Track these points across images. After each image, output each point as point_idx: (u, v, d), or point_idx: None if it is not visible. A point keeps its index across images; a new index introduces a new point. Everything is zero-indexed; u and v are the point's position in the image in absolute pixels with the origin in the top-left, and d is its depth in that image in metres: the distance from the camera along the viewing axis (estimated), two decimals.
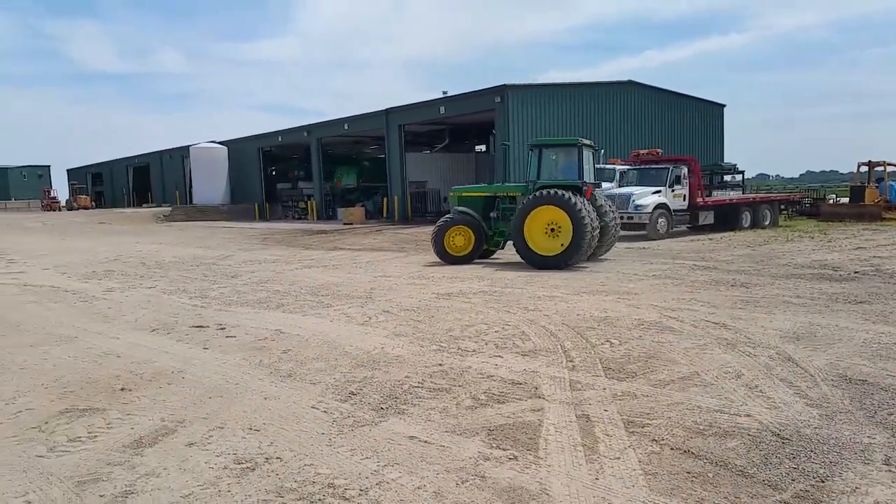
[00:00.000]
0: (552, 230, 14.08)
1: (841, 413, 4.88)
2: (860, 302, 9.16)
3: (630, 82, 36.15)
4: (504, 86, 30.20)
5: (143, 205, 59.06)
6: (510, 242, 15.13)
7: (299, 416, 5.14)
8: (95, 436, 4.90)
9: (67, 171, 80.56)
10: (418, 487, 3.85)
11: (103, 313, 10.08)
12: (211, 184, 47.41)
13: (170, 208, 47.13)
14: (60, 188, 73.83)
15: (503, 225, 15.56)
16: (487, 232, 15.72)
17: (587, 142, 15.20)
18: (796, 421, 4.75)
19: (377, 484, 3.91)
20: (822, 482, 3.81)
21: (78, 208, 60.27)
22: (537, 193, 14.36)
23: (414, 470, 4.09)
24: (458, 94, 33.40)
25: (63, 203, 64.52)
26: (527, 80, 31.88)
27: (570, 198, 13.85)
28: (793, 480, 3.85)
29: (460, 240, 15.43)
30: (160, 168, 60.17)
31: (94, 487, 4.02)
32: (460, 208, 15.76)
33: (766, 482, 3.84)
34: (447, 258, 15.36)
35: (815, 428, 4.61)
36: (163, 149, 59.55)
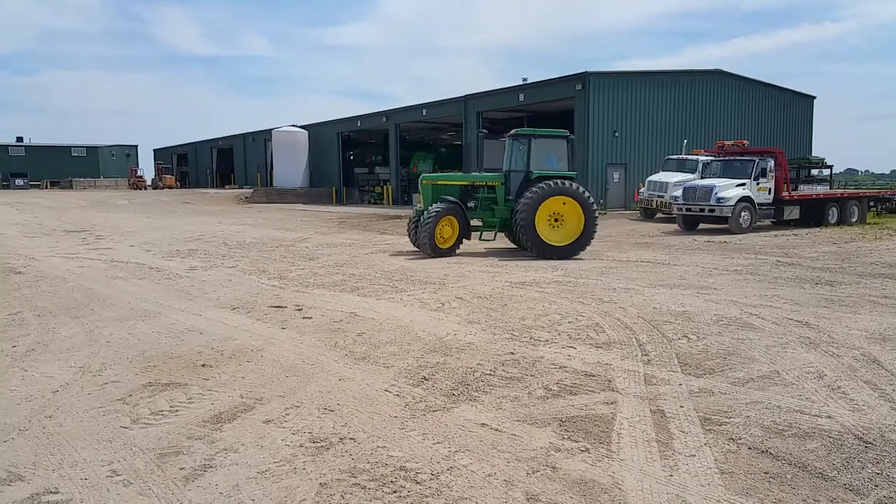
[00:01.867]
0: (555, 220, 14.41)
1: None
2: None
3: (718, 71, 34.89)
4: (586, 73, 29.63)
5: (226, 186, 61.07)
6: (492, 233, 15.24)
7: (373, 399, 5.24)
8: (177, 410, 5.13)
9: (154, 150, 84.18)
10: (489, 475, 3.87)
11: (186, 291, 10.51)
12: (291, 167, 48.55)
13: (251, 190, 48.59)
14: (147, 168, 77.12)
15: (484, 214, 15.18)
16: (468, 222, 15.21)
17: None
18: (880, 425, 4.53)
19: (448, 469, 3.96)
20: None
21: (163, 188, 62.80)
22: (550, 183, 14.30)
23: (485, 457, 4.11)
24: (538, 82, 32.97)
25: (149, 182, 67.30)
26: (609, 68, 31.24)
27: (582, 189, 14.57)
28: (875, 486, 3.67)
29: (447, 231, 14.80)
30: (243, 150, 62.02)
31: (175, 460, 4.21)
32: (448, 198, 14.92)
33: (846, 486, 3.68)
34: (436, 251, 14.49)
35: None
36: (246, 131, 61.32)
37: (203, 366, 6.25)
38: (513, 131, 15.76)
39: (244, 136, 61.69)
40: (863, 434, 4.37)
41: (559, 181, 14.40)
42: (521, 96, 33.12)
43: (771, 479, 3.78)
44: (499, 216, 15.08)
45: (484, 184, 15.38)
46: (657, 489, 3.68)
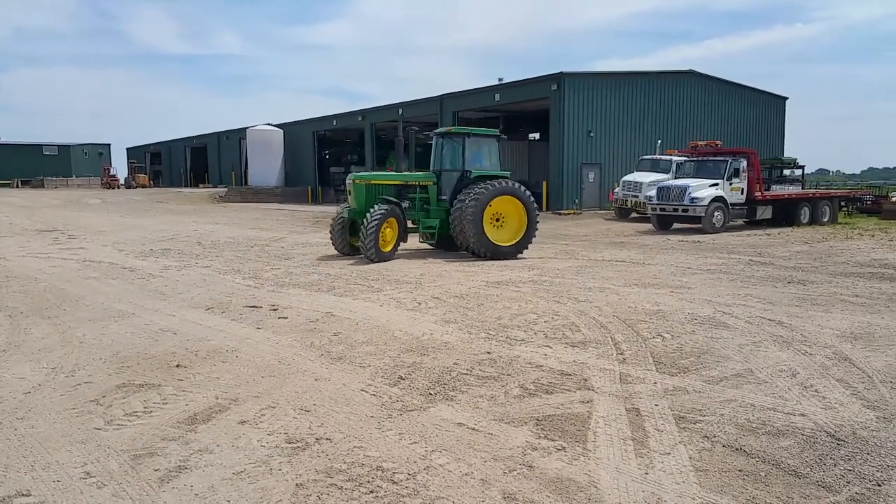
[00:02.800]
0: (497, 220, 14.28)
1: None
2: None
3: (691, 72, 35.33)
4: (561, 73, 29.81)
5: (200, 185, 60.41)
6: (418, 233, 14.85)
7: (349, 399, 5.22)
8: (151, 411, 5.06)
9: (127, 149, 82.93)
10: (466, 474, 3.88)
11: (160, 291, 10.38)
12: (266, 166, 48.21)
13: (225, 189, 48.15)
14: (120, 167, 75.95)
15: (420, 215, 14.65)
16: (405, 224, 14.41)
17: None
18: (852, 422, 4.62)
19: (425, 469, 3.96)
20: (879, 486, 3.70)
21: (136, 187, 61.93)
22: (495, 183, 14.09)
23: (461, 456, 4.12)
24: (514, 82, 33.10)
25: (122, 181, 66.33)
26: (584, 69, 31.46)
27: (524, 189, 14.55)
28: (848, 483, 3.74)
29: (389, 233, 13.81)
30: (217, 149, 61.42)
31: (150, 461, 4.16)
32: (387, 198, 14.00)
33: (819, 483, 3.74)
34: (380, 255, 13.48)
35: (873, 430, 4.47)
36: (220, 130, 60.76)
37: (177, 366, 6.18)
38: (439, 129, 15.41)
39: (218, 134, 61.12)
40: (835, 431, 4.45)
41: (502, 181, 14.31)
42: (497, 96, 33.24)
43: (745, 477, 3.83)
44: (435, 216, 14.60)
45: (417, 183, 14.83)
46: (633, 487, 3.71)
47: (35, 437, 4.54)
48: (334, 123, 46.76)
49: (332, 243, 14.64)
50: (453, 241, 14.53)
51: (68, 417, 4.92)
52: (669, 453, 4.14)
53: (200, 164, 65.89)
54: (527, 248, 14.57)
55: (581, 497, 3.60)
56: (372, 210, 13.50)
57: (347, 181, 14.74)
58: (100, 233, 20.94)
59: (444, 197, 14.67)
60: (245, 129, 50.97)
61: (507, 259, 13.94)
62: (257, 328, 7.73)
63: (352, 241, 14.29)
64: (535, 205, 14.59)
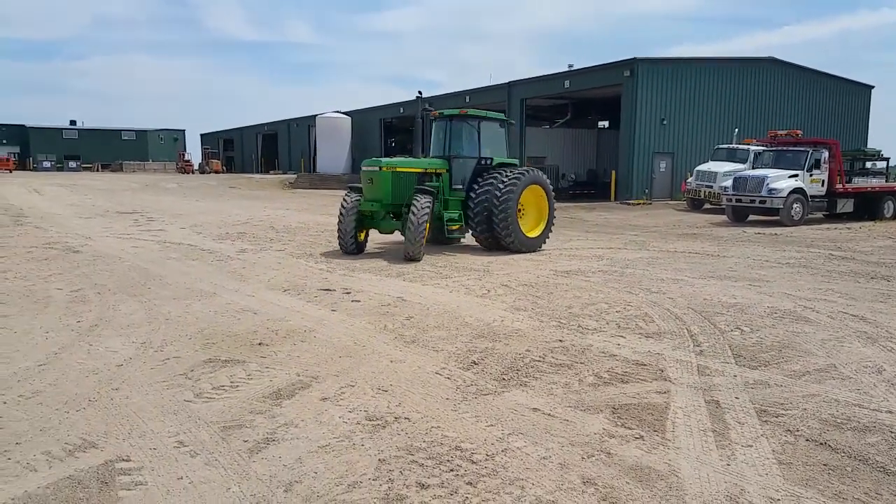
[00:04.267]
0: (519, 211, 13.06)
1: None
2: None
3: (771, 59, 34.08)
4: (634, 59, 29.20)
5: (271, 171, 62.01)
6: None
7: (424, 381, 5.33)
8: (237, 385, 5.29)
9: (201, 135, 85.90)
10: (544, 458, 3.92)
11: (238, 272, 10.76)
12: (334, 153, 49.10)
13: (295, 175, 49.29)
14: (194, 152, 78.85)
15: (439, 207, 12.93)
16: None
17: None
18: None
19: (503, 451, 4.02)
20: None
21: (209, 172, 64.07)
22: (526, 171, 13.17)
23: (539, 441, 4.16)
24: (585, 68, 32.61)
25: (196, 166, 68.63)
26: (657, 55, 30.78)
27: (546, 178, 13.85)
28: None
29: (427, 227, 12.34)
30: (287, 136, 62.85)
31: (239, 433, 4.36)
32: (427, 188, 12.48)
33: None
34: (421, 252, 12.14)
35: None
36: (290, 117, 62.11)
37: (259, 344, 6.42)
38: (447, 111, 13.92)
39: (288, 122, 62.50)
40: None
41: (526, 168, 13.46)
42: (567, 83, 32.83)
43: (830, 472, 3.75)
44: (454, 208, 13.19)
45: (434, 171, 13.18)
46: (715, 478, 3.68)
47: (130, 407, 4.81)
48: (401, 111, 47.13)
49: (340, 241, 12.66)
50: (444, 234, 13.15)
51: (159, 390, 5.19)
52: (751, 446, 4.08)
53: (271, 150, 67.58)
54: (547, 239, 13.83)
55: (662, 485, 3.60)
56: (418, 201, 11.95)
57: (367, 168, 12.87)
58: (177, 216, 21.75)
59: (459, 186, 13.29)
60: (314, 116, 51.98)
61: (532, 252, 13.17)
62: (332, 310, 7.94)
63: (358, 235, 12.85)
64: (553, 194, 13.86)
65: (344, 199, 12.74)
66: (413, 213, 11.86)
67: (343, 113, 51.68)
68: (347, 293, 8.95)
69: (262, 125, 68.76)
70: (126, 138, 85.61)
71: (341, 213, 12.58)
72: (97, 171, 68.96)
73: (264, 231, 17.33)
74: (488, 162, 13.41)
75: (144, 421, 4.54)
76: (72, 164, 74.98)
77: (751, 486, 3.58)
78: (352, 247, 12.59)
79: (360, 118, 50.61)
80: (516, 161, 14.12)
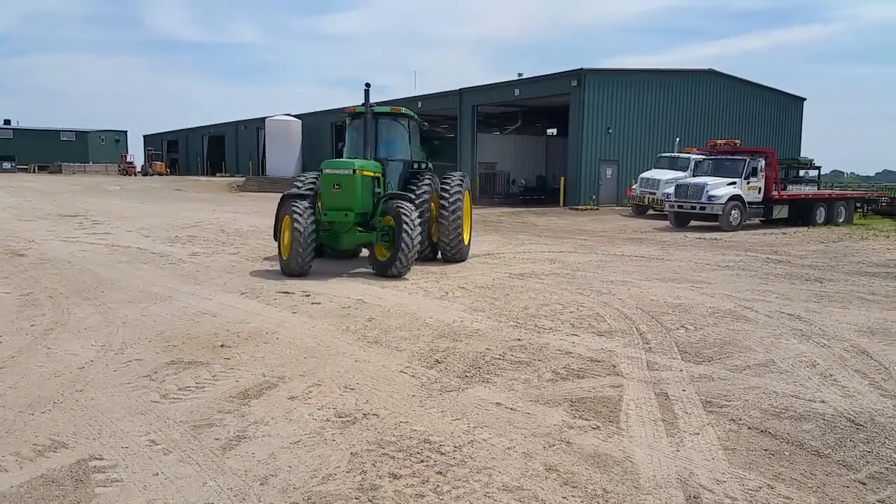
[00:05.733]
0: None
1: None
2: None
3: (710, 71, 35.40)
4: (581, 69, 29.97)
5: (217, 174, 60.95)
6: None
7: (390, 379, 5.50)
8: (203, 386, 5.36)
9: (143, 137, 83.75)
10: (508, 448, 4.15)
11: (192, 276, 10.70)
12: (284, 156, 48.60)
13: (243, 178, 48.59)
14: (136, 154, 76.89)
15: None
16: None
17: None
18: (870, 409, 4.86)
19: (469, 443, 4.23)
20: None
21: (153, 174, 62.49)
22: (460, 175, 12.47)
23: (503, 433, 4.39)
24: (534, 77, 33.28)
25: (139, 168, 66.92)
26: (603, 65, 31.65)
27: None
28: (867, 463, 3.99)
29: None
30: (235, 138, 61.94)
31: (209, 431, 4.45)
32: (407, 194, 11.32)
33: (840, 462, 3.99)
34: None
35: (890, 417, 4.72)
36: (238, 119, 61.23)
37: (222, 346, 6.47)
38: (379, 108, 12.28)
39: (236, 123, 61.61)
40: (854, 417, 4.70)
41: (462, 173, 12.77)
42: (517, 91, 33.42)
43: (771, 456, 4.08)
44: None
45: (377, 175, 11.54)
46: (666, 462, 3.96)
47: (97, 409, 4.83)
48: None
49: (294, 262, 10.41)
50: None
51: (125, 391, 5.22)
52: (698, 433, 4.39)
53: (217, 152, 66.42)
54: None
55: (618, 470, 3.86)
56: (408, 213, 10.55)
57: (333, 171, 10.85)
58: (123, 219, 21.29)
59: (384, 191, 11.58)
60: (263, 118, 51.38)
61: (463, 261, 12.31)
62: (293, 312, 8.02)
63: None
64: None
65: (296, 212, 10.36)
66: (408, 227, 10.35)
67: (293, 116, 51.26)
68: (307, 296, 9.03)
69: (209, 127, 67.58)
70: (65, 139, 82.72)
71: (297, 230, 10.21)
72: (34, 172, 66.46)
73: (215, 234, 17.17)
74: (421, 165, 12.45)
75: (113, 421, 4.58)
76: (6, 164, 72.06)
77: (699, 469, 3.88)
78: (307, 267, 10.59)
79: (310, 121, 50.28)
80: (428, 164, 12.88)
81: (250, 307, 8.34)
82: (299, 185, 12.15)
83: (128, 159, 67.39)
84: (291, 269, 10.51)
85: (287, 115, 51.38)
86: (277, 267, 11.55)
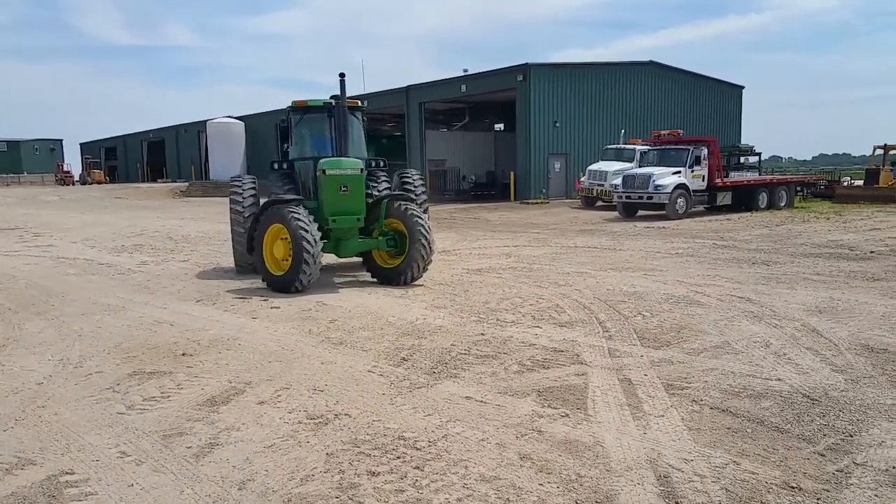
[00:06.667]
0: None
1: (865, 378, 5.23)
2: (877, 279, 9.45)
3: (651, 63, 36.22)
4: (526, 64, 30.31)
5: (158, 180, 59.45)
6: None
7: (358, 379, 5.52)
8: (169, 395, 5.29)
9: (80, 144, 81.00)
10: (482, 440, 4.23)
11: (144, 285, 10.49)
12: (227, 159, 47.65)
13: (186, 184, 47.53)
14: (73, 162, 74.23)
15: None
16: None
17: None
18: (824, 384, 5.10)
19: (443, 437, 4.29)
20: (851, 437, 4.17)
21: (92, 182, 60.60)
22: (420, 173, 12.00)
23: (475, 425, 4.46)
24: (480, 73, 33.48)
25: (77, 177, 64.82)
26: (546, 59, 32.14)
27: None
28: (824, 435, 4.20)
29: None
30: (175, 143, 60.52)
31: (180, 440, 4.40)
32: (408, 195, 10.80)
33: (800, 436, 4.20)
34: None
35: (842, 391, 4.96)
36: (177, 123, 59.88)
37: (183, 355, 6.38)
38: (320, 100, 11.13)
39: (176, 128, 60.22)
40: (809, 393, 4.93)
41: (408, 170, 12.16)
42: (464, 87, 33.57)
43: (734, 433, 4.26)
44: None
45: None
46: (634, 445, 4.10)
47: (61, 423, 4.73)
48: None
49: (297, 278, 9.21)
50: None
51: (88, 404, 5.11)
52: (663, 416, 4.55)
53: (158, 158, 64.80)
54: None
55: (589, 455, 3.98)
56: (420, 215, 9.92)
57: (338, 172, 9.76)
58: (65, 230, 20.65)
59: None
60: (204, 121, 50.35)
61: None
62: (252, 318, 7.95)
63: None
64: None
65: (299, 220, 9.15)
66: (424, 230, 9.68)
67: (236, 118, 50.36)
68: (265, 300, 8.95)
69: (148, 132, 65.84)
70: None
71: (307, 241, 9.01)
72: None
73: (162, 242, 16.83)
74: (380, 164, 11.64)
75: (80, 435, 4.49)
76: None
77: (666, 450, 4.02)
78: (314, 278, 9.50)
79: (254, 123, 49.45)
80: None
81: (208, 314, 8.23)
82: (238, 189, 11.22)
83: (65, 168, 65.20)
84: (293, 285, 9.24)
85: (229, 117, 50.44)
86: (230, 272, 11.41)
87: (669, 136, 23.72)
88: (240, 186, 11.44)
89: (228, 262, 12.74)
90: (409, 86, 36.62)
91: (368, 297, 8.89)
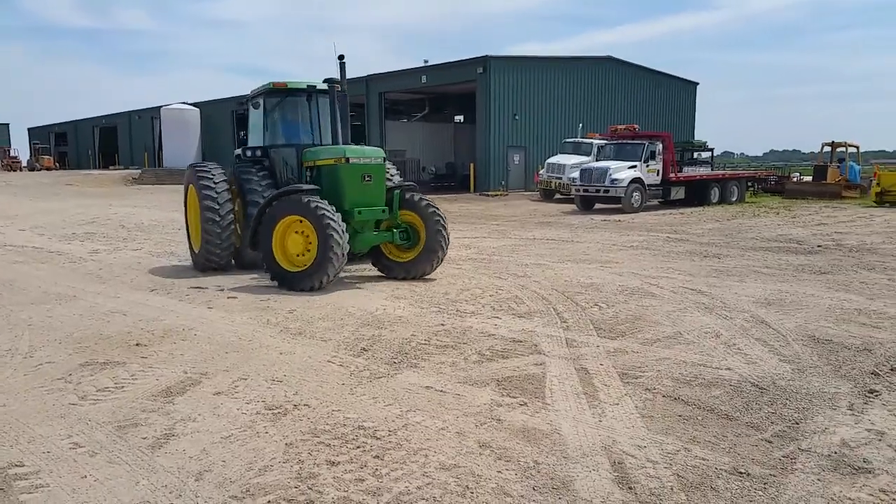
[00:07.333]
0: None
1: (811, 367, 5.43)
2: (824, 273, 9.79)
3: (609, 58, 36.69)
4: (486, 57, 30.42)
5: (110, 167, 57.91)
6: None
7: (318, 369, 5.50)
8: (123, 386, 5.19)
9: (28, 129, 78.39)
10: (442, 428, 4.26)
11: (96, 274, 10.25)
12: (182, 146, 46.60)
13: (139, 171, 46.38)
14: (21, 147, 71.85)
15: None
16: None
17: None
18: (772, 374, 5.28)
19: (403, 426, 4.31)
20: (797, 424, 4.32)
21: (40, 169, 58.70)
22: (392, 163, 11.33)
23: (435, 414, 4.50)
24: (441, 64, 33.49)
25: (24, 163, 62.71)
26: (506, 52, 32.32)
27: None
28: (772, 423, 4.36)
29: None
30: (128, 129, 59.03)
31: (135, 431, 4.33)
32: (412, 184, 10.46)
33: (748, 424, 4.34)
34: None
35: (789, 380, 5.14)
36: (131, 109, 58.40)
37: (137, 345, 6.26)
38: (314, 83, 10.84)
39: (129, 113, 58.71)
40: (758, 382, 5.10)
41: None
42: (424, 78, 33.51)
43: (685, 421, 4.38)
44: None
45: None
46: (590, 432, 4.19)
47: (10, 415, 4.60)
48: (243, 106, 45.69)
49: (326, 272, 8.54)
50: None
51: (39, 395, 4.99)
52: (618, 404, 4.66)
53: (110, 144, 63.09)
54: None
55: (547, 442, 4.05)
56: (435, 207, 9.75)
57: (362, 160, 9.32)
58: (12, 217, 19.98)
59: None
60: (159, 107, 49.19)
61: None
62: (209, 308, 7.84)
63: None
64: None
65: (328, 216, 8.44)
66: (443, 221, 9.59)
67: (191, 104, 49.31)
68: (221, 290, 8.83)
69: (100, 118, 64.00)
70: None
71: (337, 233, 8.38)
72: None
73: (115, 230, 16.45)
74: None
75: (30, 427, 4.38)
76: None
77: (621, 437, 4.12)
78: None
79: (210, 110, 48.51)
80: None
81: (162, 304, 8.09)
82: (209, 178, 10.06)
83: (11, 154, 63.00)
84: (313, 283, 8.56)
85: (184, 103, 49.38)
86: (186, 261, 11.21)
87: (626, 131, 24.11)
88: (210, 176, 10.13)
89: (183, 250, 12.50)
90: (369, 75, 36.36)
91: (329, 288, 8.84)
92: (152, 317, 7.39)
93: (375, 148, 9.88)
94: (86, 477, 3.68)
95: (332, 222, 8.42)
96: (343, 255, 8.54)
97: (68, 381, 5.28)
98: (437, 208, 9.68)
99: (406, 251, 9.74)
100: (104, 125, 63.56)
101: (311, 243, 8.64)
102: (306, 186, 9.15)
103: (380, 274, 9.84)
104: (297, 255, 8.83)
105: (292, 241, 8.81)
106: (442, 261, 9.71)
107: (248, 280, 9.56)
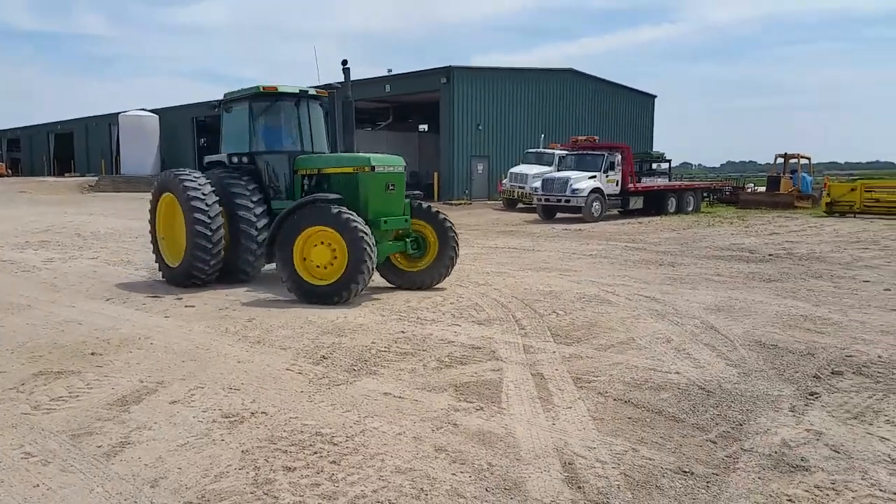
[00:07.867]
0: None
1: (756, 371, 5.63)
2: (773, 280, 10.12)
3: (570, 70, 37.28)
4: (450, 67, 30.67)
5: (66, 174, 56.61)
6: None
7: (276, 377, 5.51)
8: (77, 395, 5.14)
9: None
10: (399, 434, 4.33)
11: (50, 283, 10.07)
12: (140, 153, 45.86)
13: (96, 178, 45.47)
14: None
15: None
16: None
17: None
18: (718, 377, 5.46)
19: (361, 432, 4.36)
20: (741, 425, 4.50)
21: None
22: None
23: (393, 420, 4.56)
24: (404, 73, 33.64)
25: None
26: (469, 63, 32.61)
27: None
28: (716, 424, 4.52)
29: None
30: (85, 136, 57.83)
31: (90, 440, 4.30)
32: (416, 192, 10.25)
33: (694, 425, 4.50)
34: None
35: (735, 383, 5.33)
36: (88, 115, 57.25)
37: (92, 354, 6.19)
38: (308, 89, 10.74)
39: (86, 120, 57.56)
40: (704, 385, 5.27)
41: None
42: (388, 87, 33.61)
43: (634, 423, 4.52)
44: None
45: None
46: (543, 435, 4.30)
47: None
48: (215, 110, 45.22)
49: (356, 285, 8.24)
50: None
51: None
52: (571, 407, 4.78)
53: (66, 151, 61.69)
54: None
55: (501, 445, 4.15)
56: (443, 212, 9.88)
57: (387, 168, 9.30)
58: None
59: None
60: (117, 114, 48.33)
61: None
62: (165, 317, 7.77)
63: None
64: None
65: (359, 228, 8.15)
66: (454, 230, 9.59)
67: (150, 111, 48.56)
68: (179, 299, 8.76)
69: (55, 123, 62.58)
70: None
71: (369, 245, 8.13)
72: None
73: (70, 238, 16.12)
74: None
75: None
76: None
77: (572, 439, 4.24)
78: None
79: (169, 116, 47.83)
80: None
81: (118, 313, 7.99)
82: (195, 187, 9.28)
83: None
84: (337, 296, 8.21)
85: (143, 110, 48.61)
86: (142, 270, 11.08)
87: (586, 142, 24.55)
88: (198, 186, 9.33)
89: (141, 259, 12.37)
90: (331, 84, 36.31)
91: (288, 296, 8.83)
92: (108, 326, 7.30)
93: (396, 156, 9.73)
94: (38, 486, 3.66)
95: (365, 235, 8.14)
96: (373, 268, 8.30)
97: (20, 391, 5.20)
98: (447, 217, 9.60)
99: (415, 261, 9.57)
100: (59, 131, 62.18)
101: (336, 255, 8.31)
102: (332, 196, 8.73)
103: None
104: (319, 267, 8.44)
105: (316, 252, 8.43)
106: (451, 271, 9.61)
107: (205, 289, 9.46)
